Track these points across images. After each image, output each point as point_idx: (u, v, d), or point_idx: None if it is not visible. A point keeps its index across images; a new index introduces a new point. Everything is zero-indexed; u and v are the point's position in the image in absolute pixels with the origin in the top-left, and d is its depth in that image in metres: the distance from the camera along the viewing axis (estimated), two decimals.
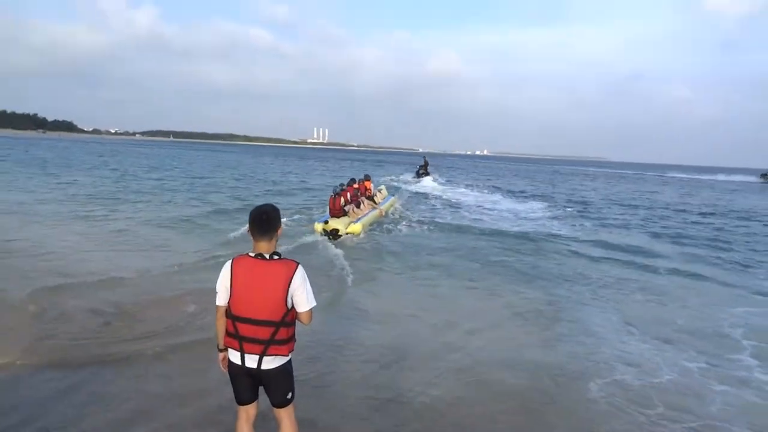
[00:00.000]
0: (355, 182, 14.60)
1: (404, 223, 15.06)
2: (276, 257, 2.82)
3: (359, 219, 12.87)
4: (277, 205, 3.01)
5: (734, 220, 21.38)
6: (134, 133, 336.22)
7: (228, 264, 2.84)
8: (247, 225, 2.86)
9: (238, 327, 2.79)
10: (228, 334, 2.87)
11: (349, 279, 8.59)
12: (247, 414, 3.06)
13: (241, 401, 3.02)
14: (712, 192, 43.10)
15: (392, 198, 18.11)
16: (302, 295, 2.78)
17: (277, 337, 2.78)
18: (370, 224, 13.56)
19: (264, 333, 2.76)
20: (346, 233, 11.93)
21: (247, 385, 2.96)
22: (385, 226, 14.25)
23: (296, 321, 2.91)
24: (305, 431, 3.55)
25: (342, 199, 12.65)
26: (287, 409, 3.02)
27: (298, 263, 2.82)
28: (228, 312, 2.84)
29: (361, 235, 12.27)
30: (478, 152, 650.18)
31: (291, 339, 2.87)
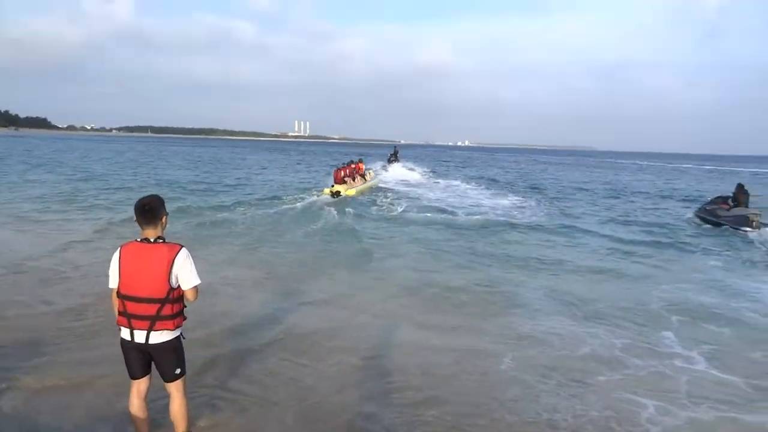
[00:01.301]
0: (353, 163, 21.01)
1: (372, 210, 16.14)
2: (160, 241, 3.06)
3: (353, 187, 18.87)
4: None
5: (680, 202, 22.48)
6: (111, 129, 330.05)
7: (117, 250, 3.10)
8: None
9: (126, 305, 3.03)
10: (119, 313, 3.08)
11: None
12: (138, 388, 3.26)
13: (133, 376, 3.23)
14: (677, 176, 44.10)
15: (377, 179, 24.72)
16: (185, 274, 3.03)
17: (163, 312, 3.03)
18: (361, 192, 19.49)
19: (150, 309, 3.01)
20: (345, 194, 17.59)
21: (137, 360, 3.17)
22: (359, 207, 16.46)
23: (183, 299, 3.15)
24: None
25: (342, 172, 18.78)
26: (177, 383, 3.24)
27: (182, 246, 3.08)
28: (118, 293, 3.06)
29: (353, 197, 17.90)
30: (459, 143, 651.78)
31: (177, 315, 3.11)
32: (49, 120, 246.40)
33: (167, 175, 28.02)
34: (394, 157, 37.59)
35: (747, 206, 14.10)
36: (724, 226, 13.92)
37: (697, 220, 15.45)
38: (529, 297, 7.56)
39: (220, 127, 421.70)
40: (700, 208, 16.16)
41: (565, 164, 69.11)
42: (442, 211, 16.76)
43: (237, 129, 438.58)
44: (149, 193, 3.27)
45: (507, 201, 20.88)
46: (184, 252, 3.04)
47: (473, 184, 29.41)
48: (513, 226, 14.16)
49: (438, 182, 29.56)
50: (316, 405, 4.21)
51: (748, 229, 13.09)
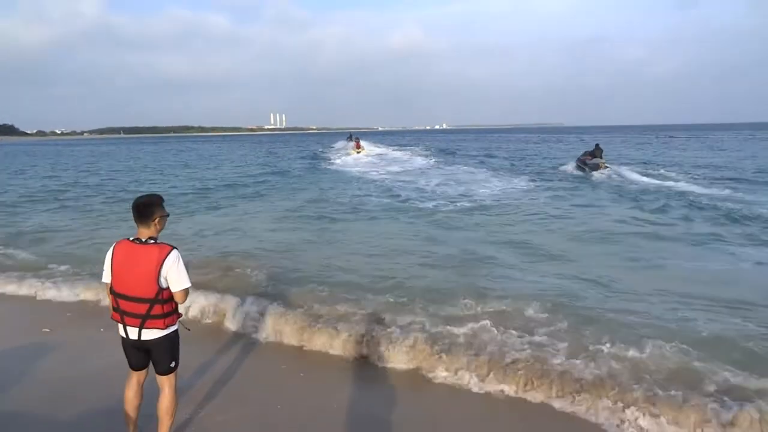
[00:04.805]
0: (358, 140, 44.19)
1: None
2: (151, 241, 3.07)
3: (363, 151, 39.41)
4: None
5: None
6: (82, 132, 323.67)
7: (111, 246, 3.15)
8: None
9: (119, 302, 3.09)
10: (113, 308, 3.15)
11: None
12: (137, 377, 3.35)
13: (132, 367, 3.33)
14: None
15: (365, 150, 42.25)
16: (174, 277, 3.03)
17: (153, 312, 3.05)
18: (366, 154, 38.05)
19: (140, 308, 3.04)
20: (363, 154, 38.32)
21: (134, 353, 3.24)
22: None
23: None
24: None
25: (357, 144, 41.57)
26: (170, 377, 3.28)
27: (173, 247, 3.07)
28: (111, 289, 3.12)
29: (366, 156, 37.00)
30: (437, 126, 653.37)
31: (168, 314, 3.12)
32: (16, 126, 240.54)
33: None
34: (350, 139, 53.49)
35: (600, 157, 22.42)
36: (585, 170, 22.07)
37: (576, 168, 23.31)
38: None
39: (195, 124, 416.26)
40: (577, 159, 24.40)
41: (549, 142, 68.78)
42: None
43: (211, 125, 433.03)
44: (149, 192, 3.28)
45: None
46: (174, 254, 3.02)
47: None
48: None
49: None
50: None
51: (595, 173, 20.95)
